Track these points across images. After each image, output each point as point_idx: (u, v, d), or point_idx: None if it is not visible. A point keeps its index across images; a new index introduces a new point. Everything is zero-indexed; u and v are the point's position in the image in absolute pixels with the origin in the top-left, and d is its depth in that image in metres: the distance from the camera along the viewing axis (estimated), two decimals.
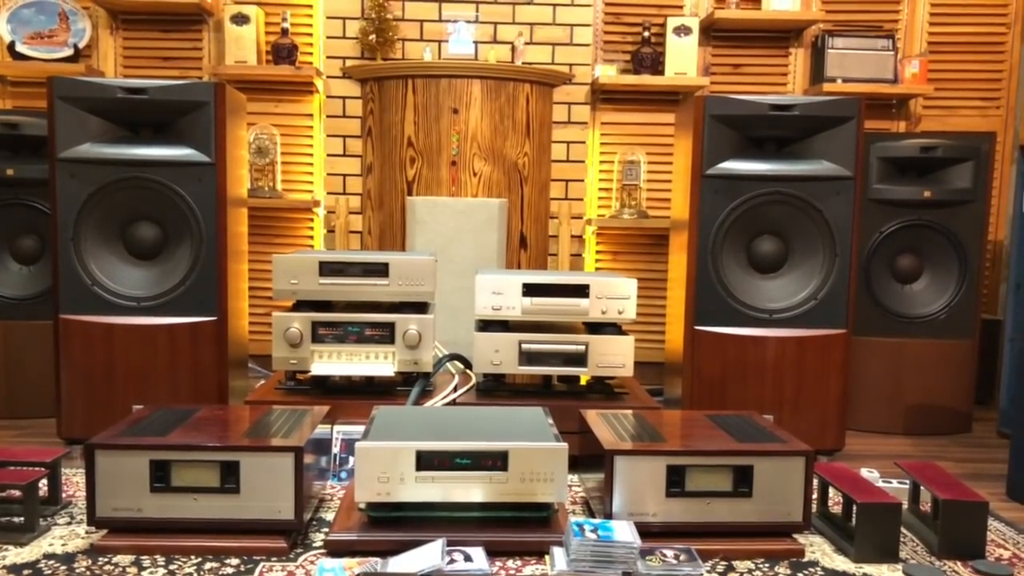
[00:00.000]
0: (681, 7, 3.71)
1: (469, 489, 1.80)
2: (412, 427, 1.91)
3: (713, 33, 3.72)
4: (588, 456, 2.09)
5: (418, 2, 3.61)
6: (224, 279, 2.63)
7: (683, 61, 3.60)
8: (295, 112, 3.69)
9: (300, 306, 2.52)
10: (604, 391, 2.56)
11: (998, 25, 3.72)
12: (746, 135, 2.68)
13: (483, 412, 2.08)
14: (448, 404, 2.46)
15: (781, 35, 3.73)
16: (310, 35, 3.67)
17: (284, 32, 3.55)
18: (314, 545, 1.85)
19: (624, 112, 3.73)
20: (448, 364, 2.76)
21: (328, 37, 3.62)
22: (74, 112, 2.57)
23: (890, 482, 2.26)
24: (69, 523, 1.96)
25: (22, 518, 1.89)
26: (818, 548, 1.91)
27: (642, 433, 1.98)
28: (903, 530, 2.00)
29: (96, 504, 1.78)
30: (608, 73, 3.62)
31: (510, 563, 1.77)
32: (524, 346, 2.47)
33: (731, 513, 1.86)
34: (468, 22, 3.63)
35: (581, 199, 3.71)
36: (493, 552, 1.77)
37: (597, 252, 3.77)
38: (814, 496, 1.99)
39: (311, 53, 3.68)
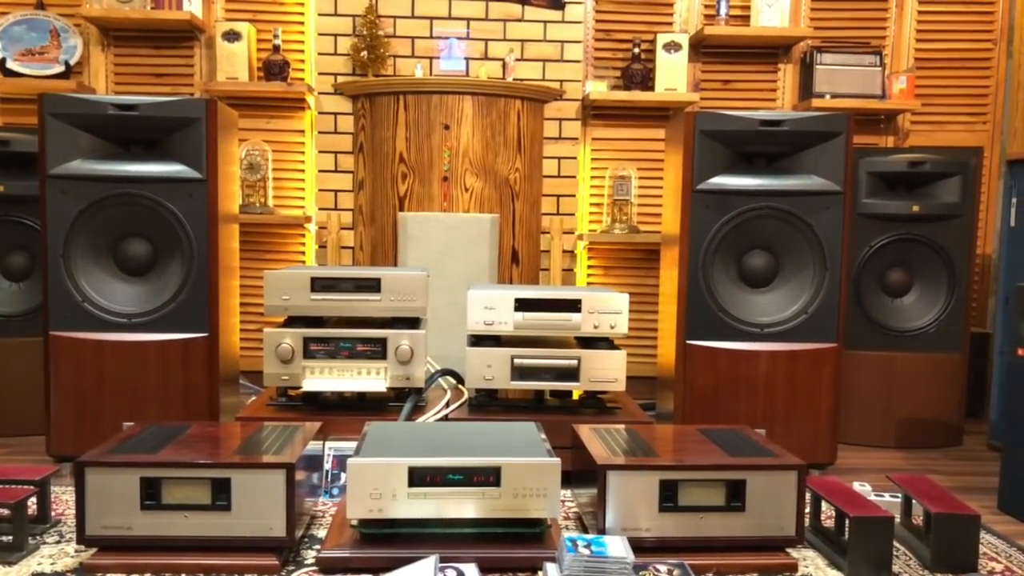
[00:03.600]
0: (671, 24, 3.74)
1: (462, 505, 1.79)
2: (404, 443, 1.90)
3: (703, 49, 3.75)
4: (581, 471, 2.09)
5: (409, 19, 3.63)
6: (215, 295, 2.62)
7: (673, 77, 3.62)
8: (287, 128, 3.69)
9: (292, 322, 2.51)
10: (596, 406, 2.56)
11: (984, 41, 3.76)
12: (736, 150, 2.69)
13: (475, 427, 2.08)
14: (440, 420, 2.46)
15: (770, 51, 3.76)
16: (302, 52, 3.69)
17: (276, 49, 3.56)
18: (306, 562, 1.84)
19: (615, 128, 3.75)
20: (440, 379, 2.76)
21: (320, 54, 3.63)
22: (65, 129, 2.56)
23: (882, 496, 2.27)
24: (58, 542, 1.95)
25: (10, 537, 1.87)
26: (811, 562, 1.91)
27: (635, 448, 1.98)
28: (896, 544, 2.00)
29: (86, 522, 1.77)
30: (599, 89, 3.64)
31: None
32: (516, 361, 2.47)
33: (724, 528, 1.86)
34: (459, 39, 3.64)
35: (572, 214, 3.72)
36: (486, 568, 1.76)
37: (589, 267, 3.78)
38: (807, 510, 1.99)
39: (303, 70, 3.69)
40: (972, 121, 3.79)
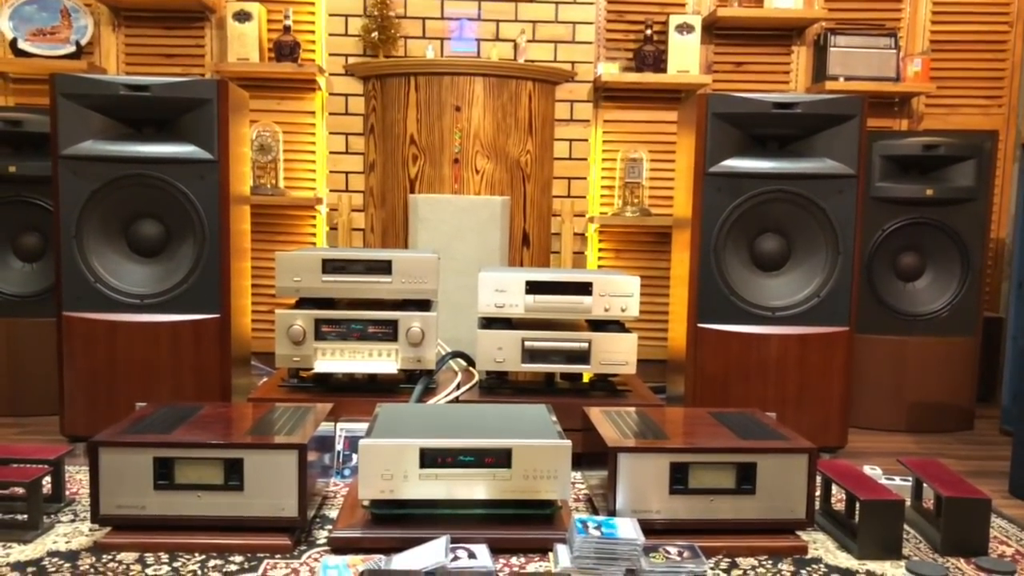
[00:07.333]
0: (684, 5, 3.71)
1: (473, 486, 1.80)
2: (415, 424, 1.91)
3: (715, 31, 3.72)
4: (591, 453, 2.10)
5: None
6: (227, 277, 2.63)
7: (685, 59, 3.60)
8: (297, 109, 3.69)
9: (303, 304, 2.52)
10: (607, 389, 2.56)
11: (1000, 24, 3.71)
12: (749, 133, 2.68)
13: (486, 410, 2.08)
14: (451, 402, 2.46)
15: (783, 33, 3.73)
16: (312, 32, 3.67)
17: (286, 29, 3.55)
18: (318, 542, 1.85)
19: (627, 110, 3.73)
20: (451, 362, 2.76)
21: (330, 34, 3.62)
22: (76, 109, 2.57)
23: (893, 479, 2.26)
24: (73, 520, 1.97)
25: (26, 516, 1.89)
26: (821, 545, 1.91)
27: (645, 430, 1.98)
28: (906, 527, 2.00)
29: (100, 501, 1.78)
30: (611, 71, 3.62)
31: (514, 560, 1.77)
32: (527, 344, 2.47)
33: (734, 510, 1.86)
34: (470, 20, 3.62)
35: (584, 197, 3.71)
36: (497, 549, 1.76)
37: (600, 250, 3.77)
38: (817, 493, 1.99)
39: (313, 50, 3.68)
40: (987, 104, 3.76)
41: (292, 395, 2.46)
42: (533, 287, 2.49)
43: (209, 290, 2.62)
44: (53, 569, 1.70)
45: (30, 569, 1.69)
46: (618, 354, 2.48)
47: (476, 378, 2.65)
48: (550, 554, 1.78)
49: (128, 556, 1.75)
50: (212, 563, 1.73)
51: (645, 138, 3.73)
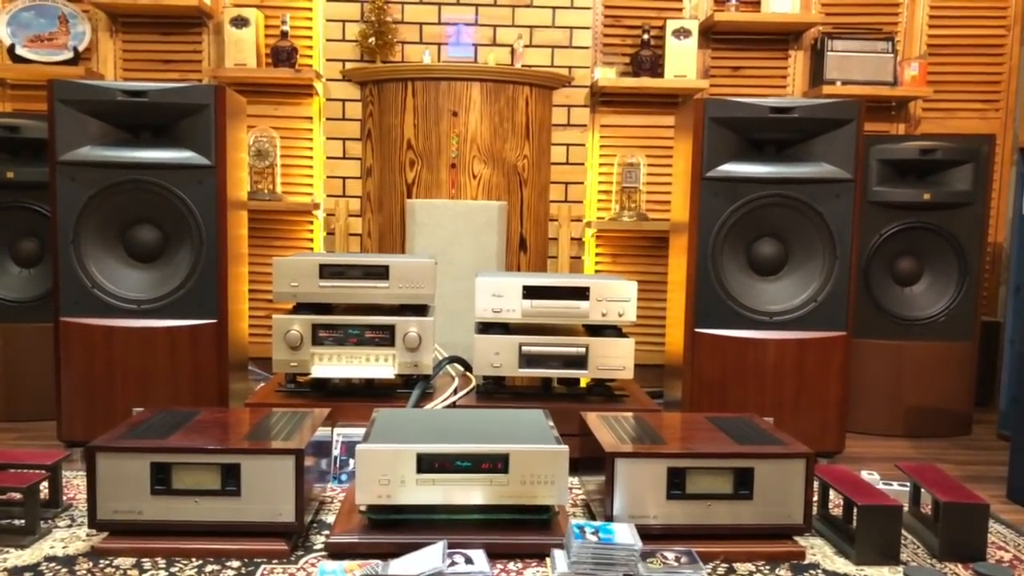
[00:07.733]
0: (680, 9, 3.72)
1: (470, 491, 1.80)
2: (412, 430, 1.91)
3: (712, 35, 3.72)
4: (589, 458, 2.10)
5: (417, 5, 3.61)
6: (224, 282, 2.63)
7: (682, 63, 3.60)
8: (295, 115, 3.69)
9: (300, 308, 2.52)
10: (604, 393, 2.56)
11: (997, 28, 3.72)
12: (746, 138, 2.68)
13: (483, 415, 2.08)
14: (448, 407, 2.46)
15: (780, 37, 3.74)
16: (310, 38, 3.68)
17: (284, 35, 3.56)
18: (315, 547, 1.85)
19: (624, 114, 3.74)
20: (448, 367, 2.76)
21: (328, 40, 3.62)
22: (74, 115, 2.57)
23: (890, 484, 2.26)
24: (70, 526, 1.96)
25: (23, 521, 1.89)
26: (819, 550, 1.91)
27: (643, 435, 1.98)
28: (904, 532, 2.00)
29: (97, 506, 1.78)
30: (607, 76, 3.62)
31: (511, 565, 1.77)
32: (524, 348, 2.47)
33: (732, 515, 1.86)
34: (467, 25, 3.63)
35: (581, 201, 3.71)
36: (494, 554, 1.77)
37: (597, 255, 3.77)
38: (815, 498, 1.99)
39: (311, 56, 3.68)
40: (984, 108, 3.76)
41: (289, 400, 2.46)
42: (530, 292, 2.49)
43: (206, 295, 2.62)
44: (50, 574, 1.69)
45: (27, 574, 1.69)
46: (615, 359, 2.48)
47: (473, 383, 2.65)
48: (547, 559, 1.78)
49: (125, 561, 1.75)
50: (209, 568, 1.72)
51: (642, 143, 3.73)
